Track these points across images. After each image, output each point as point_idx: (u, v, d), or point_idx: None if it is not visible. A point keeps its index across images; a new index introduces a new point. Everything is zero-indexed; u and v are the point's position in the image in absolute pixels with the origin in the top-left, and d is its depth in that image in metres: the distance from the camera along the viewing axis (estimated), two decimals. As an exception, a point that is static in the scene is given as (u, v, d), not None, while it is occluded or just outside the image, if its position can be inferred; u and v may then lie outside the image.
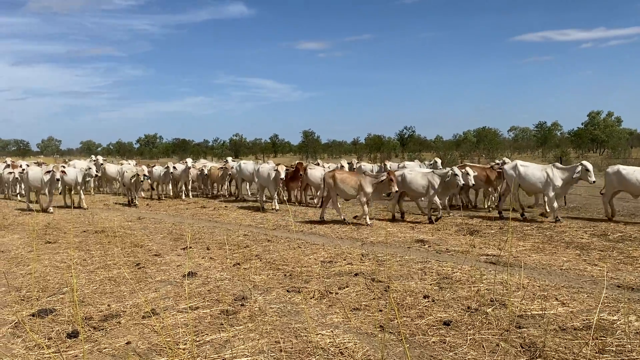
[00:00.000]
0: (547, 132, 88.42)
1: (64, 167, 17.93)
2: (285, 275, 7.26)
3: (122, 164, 23.11)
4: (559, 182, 11.53)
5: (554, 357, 4.36)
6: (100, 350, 4.74)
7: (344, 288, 6.48)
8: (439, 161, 17.59)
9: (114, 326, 5.35)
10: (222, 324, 5.30)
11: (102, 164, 21.64)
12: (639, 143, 77.78)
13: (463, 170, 12.14)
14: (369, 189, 11.73)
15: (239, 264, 7.94)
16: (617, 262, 7.73)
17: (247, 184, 19.50)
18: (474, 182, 12.33)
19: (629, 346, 4.51)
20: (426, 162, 18.77)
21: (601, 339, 4.67)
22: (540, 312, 5.41)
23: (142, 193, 19.62)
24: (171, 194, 20.05)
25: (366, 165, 19.99)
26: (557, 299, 5.87)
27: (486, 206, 14.18)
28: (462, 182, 11.77)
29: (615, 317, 5.22)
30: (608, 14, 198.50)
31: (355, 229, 11.22)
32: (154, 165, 20.21)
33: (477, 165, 15.83)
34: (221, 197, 19.43)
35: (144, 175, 16.59)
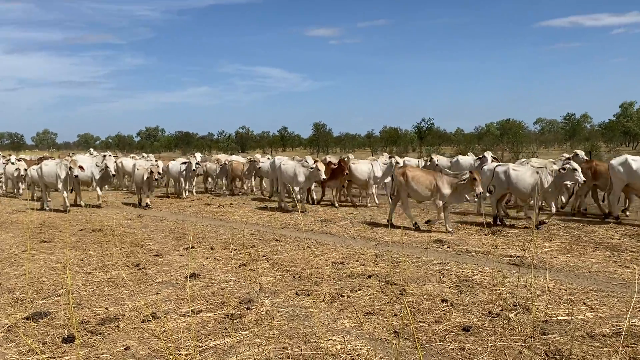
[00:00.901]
0: (576, 125, 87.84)
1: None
2: (294, 277, 7.28)
3: (135, 159, 22.72)
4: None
5: (581, 366, 4.34)
6: (98, 356, 4.78)
7: (357, 291, 6.48)
8: (489, 157, 15.43)
9: (112, 330, 5.39)
10: (227, 329, 5.32)
11: (115, 160, 20.39)
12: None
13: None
14: (446, 189, 10.52)
15: (244, 265, 7.96)
16: (651, 264, 7.66)
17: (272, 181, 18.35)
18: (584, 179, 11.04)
19: (663, 355, 4.47)
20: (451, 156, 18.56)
21: (632, 347, 4.63)
22: (567, 318, 5.38)
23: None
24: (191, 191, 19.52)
25: (411, 160, 18.63)
26: (584, 304, 5.83)
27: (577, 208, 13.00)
28: (582, 179, 10.57)
29: (648, 324, 5.17)
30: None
31: (369, 228, 11.21)
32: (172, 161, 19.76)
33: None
34: (243, 194, 19.13)
35: (158, 173, 15.64)
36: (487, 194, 11.41)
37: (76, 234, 11.22)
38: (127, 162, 21.34)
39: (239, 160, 20.40)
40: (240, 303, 6.12)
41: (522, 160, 14.00)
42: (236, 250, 9.09)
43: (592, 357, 4.48)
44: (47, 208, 15.40)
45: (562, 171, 10.52)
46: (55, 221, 13.10)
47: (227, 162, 19.65)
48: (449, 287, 6.58)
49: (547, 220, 10.93)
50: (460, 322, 5.33)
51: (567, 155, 13.80)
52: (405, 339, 4.97)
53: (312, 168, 13.55)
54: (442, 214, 10.64)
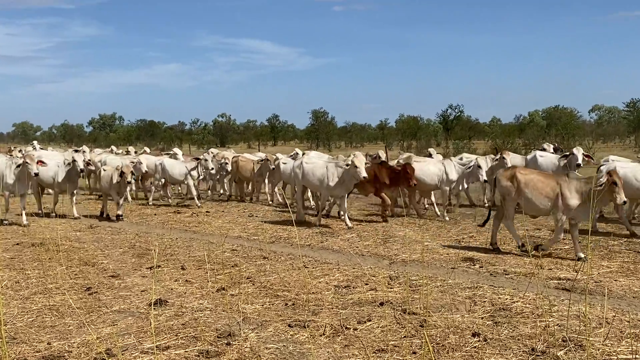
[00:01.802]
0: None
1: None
2: (286, 304, 7.28)
3: (116, 154, 22.40)
4: None
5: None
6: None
7: (365, 322, 6.48)
8: (578, 155, 14.73)
9: (56, 371, 5.37)
10: (201, 370, 5.31)
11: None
12: None
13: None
14: (574, 199, 9.52)
15: (224, 289, 7.95)
16: None
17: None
18: None
19: None
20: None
21: None
22: (630, 357, 5.38)
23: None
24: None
25: (515, 157, 16.83)
26: (653, 339, 5.83)
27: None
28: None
29: None
30: None
31: (381, 243, 11.22)
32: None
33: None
34: (253, 199, 18.99)
35: (132, 173, 15.01)
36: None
37: (11, 249, 11.21)
38: (111, 159, 20.35)
39: (248, 157, 19.75)
40: (218, 337, 6.11)
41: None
42: (213, 270, 9.09)
43: (663, 407, 4.48)
44: (6, 222, 14.36)
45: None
46: (-15, 233, 13.08)
47: (223, 159, 18.98)
48: (482, 318, 6.57)
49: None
50: (495, 362, 5.33)
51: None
52: (427, 383, 4.96)
53: (347, 165, 12.85)
54: (560, 235, 9.87)
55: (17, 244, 11.70)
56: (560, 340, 5.80)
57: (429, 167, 14.78)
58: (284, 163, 16.37)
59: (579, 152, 14.80)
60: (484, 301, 7.22)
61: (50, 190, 16.72)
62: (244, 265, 9.49)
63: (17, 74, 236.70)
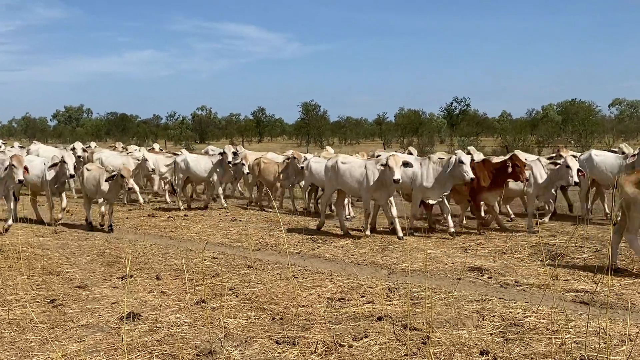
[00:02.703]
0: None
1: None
2: (273, 318, 7.28)
3: (121, 150, 22.09)
4: None
5: None
6: None
7: (362, 339, 6.48)
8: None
9: (16, 393, 5.36)
10: (178, 391, 5.30)
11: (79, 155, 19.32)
12: None
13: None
14: None
15: (204, 301, 7.95)
16: None
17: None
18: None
19: None
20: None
21: None
22: (656, 378, 5.39)
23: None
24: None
25: (607, 156, 15.41)
26: (681, 358, 5.85)
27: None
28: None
29: None
30: None
31: (379, 250, 11.22)
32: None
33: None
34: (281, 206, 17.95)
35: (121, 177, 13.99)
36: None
37: (-34, 256, 11.15)
38: (113, 158, 20.12)
39: (271, 158, 18.82)
40: (197, 355, 6.10)
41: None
42: (192, 280, 9.07)
43: None
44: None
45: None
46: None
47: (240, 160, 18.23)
48: (491, 334, 6.58)
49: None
50: (506, 383, 5.34)
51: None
52: (430, 406, 4.97)
53: (382, 165, 12.21)
54: None
55: (-27, 250, 11.64)
56: (577, 359, 5.82)
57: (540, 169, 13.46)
58: (316, 162, 16.06)
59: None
60: (493, 316, 7.23)
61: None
62: (227, 275, 9.48)
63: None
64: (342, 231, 12.86)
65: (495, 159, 14.19)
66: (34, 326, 7.04)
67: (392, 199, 12.62)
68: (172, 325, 7.03)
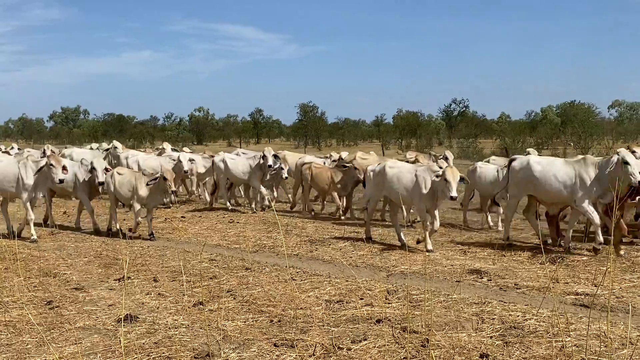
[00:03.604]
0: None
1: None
2: (271, 321, 7.27)
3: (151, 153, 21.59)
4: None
5: None
6: None
7: (360, 341, 6.47)
8: None
9: (12, 395, 5.34)
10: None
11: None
12: None
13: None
14: None
15: (201, 303, 7.94)
16: None
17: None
18: None
19: None
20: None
21: None
22: (657, 381, 5.39)
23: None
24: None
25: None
26: (682, 362, 5.84)
27: None
28: None
29: None
30: None
31: (378, 252, 11.21)
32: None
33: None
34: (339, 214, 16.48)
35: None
36: None
37: (-38, 257, 11.13)
38: (150, 159, 19.56)
39: (320, 163, 17.84)
40: (195, 357, 6.09)
41: None
42: (190, 282, 9.05)
43: None
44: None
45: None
46: None
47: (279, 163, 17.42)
48: (491, 337, 6.58)
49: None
50: (506, 387, 5.33)
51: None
52: (430, 410, 4.96)
53: (437, 176, 11.23)
54: None
55: (-31, 252, 11.62)
56: (578, 362, 5.81)
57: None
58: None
59: None
60: (493, 318, 7.22)
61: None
62: (224, 277, 9.47)
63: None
64: (400, 242, 12.09)
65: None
66: (30, 328, 7.03)
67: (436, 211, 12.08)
68: (169, 328, 7.02)
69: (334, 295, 8.34)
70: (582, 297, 8.16)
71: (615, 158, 10.69)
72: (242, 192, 19.40)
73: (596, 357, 5.89)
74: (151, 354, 6.22)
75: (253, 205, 17.24)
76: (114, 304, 8.01)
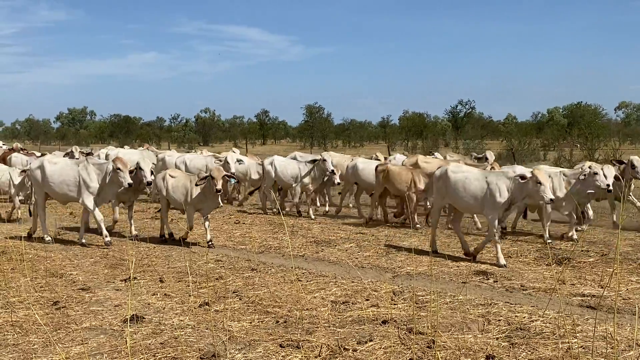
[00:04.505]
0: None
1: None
2: (277, 321, 7.27)
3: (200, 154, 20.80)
4: None
5: None
6: None
7: (366, 342, 6.47)
8: None
9: (18, 395, 5.35)
10: (182, 395, 5.29)
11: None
12: None
13: None
14: None
15: (207, 304, 7.95)
16: None
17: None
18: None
19: None
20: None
21: None
22: (664, 383, 5.37)
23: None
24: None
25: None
26: (689, 364, 5.83)
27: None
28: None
29: None
30: None
31: (384, 254, 11.20)
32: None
33: None
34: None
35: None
36: None
37: (-31, 258, 11.15)
38: (196, 159, 19.15)
39: (397, 163, 17.09)
40: (201, 358, 6.09)
41: None
42: (196, 283, 9.06)
43: None
44: (48, 238, 12.91)
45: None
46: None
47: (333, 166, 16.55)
48: (497, 338, 6.57)
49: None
50: (512, 388, 5.33)
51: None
52: (435, 411, 4.95)
53: (522, 179, 10.37)
54: None
55: (-25, 252, 11.64)
56: (584, 363, 5.80)
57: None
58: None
59: None
60: (499, 320, 7.21)
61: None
62: (230, 277, 9.47)
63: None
64: (464, 250, 11.25)
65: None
66: (37, 328, 7.04)
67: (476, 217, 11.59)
68: (175, 328, 7.02)
69: (339, 296, 8.34)
70: (589, 298, 8.14)
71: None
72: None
73: (602, 359, 5.88)
74: (157, 355, 6.22)
75: (311, 211, 16.51)
76: (120, 305, 8.02)
